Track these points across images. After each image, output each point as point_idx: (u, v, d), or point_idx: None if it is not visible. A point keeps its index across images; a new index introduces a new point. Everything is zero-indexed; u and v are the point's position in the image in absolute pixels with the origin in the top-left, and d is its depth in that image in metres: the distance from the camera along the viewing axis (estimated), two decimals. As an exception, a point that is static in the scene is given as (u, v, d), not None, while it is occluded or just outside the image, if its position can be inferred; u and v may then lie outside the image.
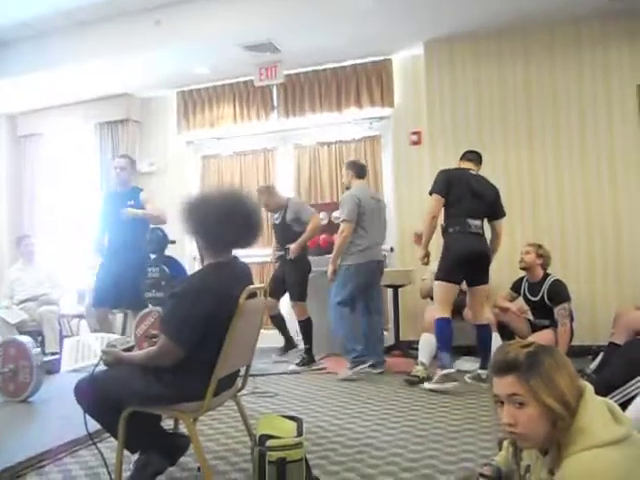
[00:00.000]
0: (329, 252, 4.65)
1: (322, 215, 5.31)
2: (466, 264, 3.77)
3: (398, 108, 5.53)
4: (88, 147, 6.63)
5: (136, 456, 2.26)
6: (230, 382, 2.34)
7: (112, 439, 2.34)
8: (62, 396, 3.94)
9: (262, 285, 2.58)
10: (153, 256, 4.09)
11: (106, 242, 4.37)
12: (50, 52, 5.48)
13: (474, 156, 4.06)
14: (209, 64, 5.55)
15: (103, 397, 2.09)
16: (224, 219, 2.10)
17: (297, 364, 4.64)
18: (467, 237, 3.80)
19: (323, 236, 5.30)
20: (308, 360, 4.67)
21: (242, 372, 2.54)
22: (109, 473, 2.17)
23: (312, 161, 5.95)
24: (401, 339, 5.10)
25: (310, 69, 5.71)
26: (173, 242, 4.28)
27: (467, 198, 3.81)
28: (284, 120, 5.82)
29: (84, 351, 2.67)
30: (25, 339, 3.87)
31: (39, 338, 5.00)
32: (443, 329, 3.73)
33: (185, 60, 5.43)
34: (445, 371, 3.66)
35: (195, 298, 2.05)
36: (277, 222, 4.85)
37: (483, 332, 3.93)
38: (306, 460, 2.16)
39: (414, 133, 5.41)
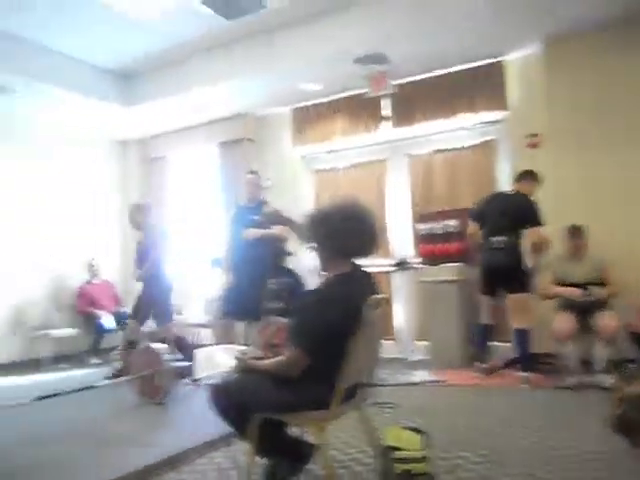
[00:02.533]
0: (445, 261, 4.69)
1: (439, 224, 5.22)
2: (489, 276, 4.42)
3: (513, 111, 5.30)
4: (211, 166, 7.03)
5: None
6: (353, 392, 2.35)
7: (243, 443, 2.44)
8: (193, 401, 4.23)
9: (383, 295, 2.56)
10: (273, 268, 4.24)
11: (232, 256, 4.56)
12: (177, 80, 5.94)
13: (523, 176, 4.54)
14: (321, 80, 5.69)
15: (235, 403, 2.20)
16: (347, 230, 2.15)
17: None
18: (488, 252, 4.41)
19: (439, 245, 5.19)
20: None
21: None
22: (243, 476, 2.27)
23: (426, 170, 5.86)
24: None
25: (420, 77, 5.65)
26: (290, 254, 4.43)
27: (493, 217, 4.42)
28: (396, 130, 5.80)
29: (213, 360, 2.85)
30: (160, 346, 4.17)
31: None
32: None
33: (298, 78, 5.62)
34: None
35: (322, 309, 2.10)
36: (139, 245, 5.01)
37: (516, 336, 4.31)
38: (431, 474, 2.12)
39: (532, 135, 5.14)
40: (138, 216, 4.81)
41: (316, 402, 2.10)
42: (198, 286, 6.45)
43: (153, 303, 4.66)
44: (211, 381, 2.65)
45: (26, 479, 2.62)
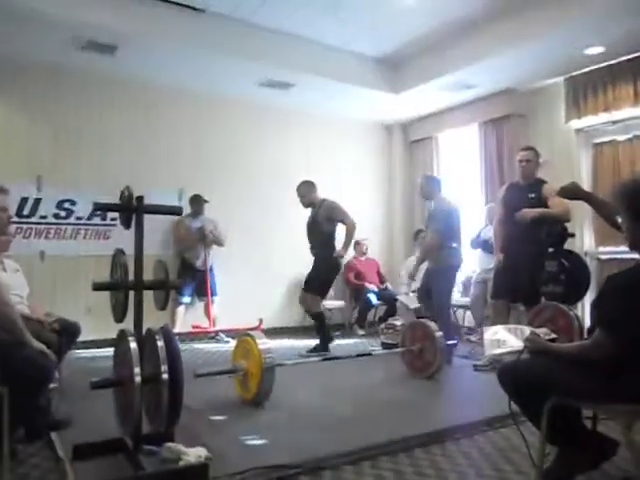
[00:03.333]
0: None
1: None
2: None
3: None
4: (475, 145, 6.92)
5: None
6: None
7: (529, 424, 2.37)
8: (460, 378, 4.26)
9: None
10: (551, 250, 3.98)
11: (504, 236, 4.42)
12: (442, 61, 5.95)
13: None
14: (602, 41, 5.09)
15: (529, 384, 2.13)
16: None
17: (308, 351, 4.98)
18: None
19: None
20: (322, 349, 5.00)
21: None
22: (530, 456, 2.20)
23: None
24: None
25: None
26: (572, 235, 4.09)
27: None
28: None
29: (500, 340, 2.80)
30: (430, 323, 4.28)
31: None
32: None
33: (574, 42, 5.12)
34: None
35: (632, 293, 1.90)
36: (309, 221, 5.26)
37: None
38: None
39: None
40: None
41: (624, 393, 1.91)
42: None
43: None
44: (500, 360, 2.61)
45: (344, 429, 2.93)
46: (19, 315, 2.68)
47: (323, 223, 5.13)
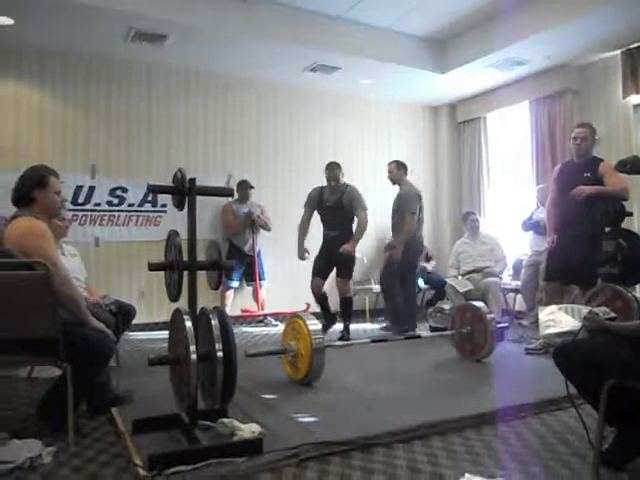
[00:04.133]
0: None
1: None
2: None
3: None
4: (523, 125, 6.73)
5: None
6: None
7: (585, 406, 2.32)
8: (512, 362, 4.19)
9: None
10: (608, 229, 3.83)
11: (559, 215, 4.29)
12: (490, 39, 5.78)
13: None
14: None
15: (585, 364, 2.08)
16: None
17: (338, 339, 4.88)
18: None
19: None
20: (346, 336, 5.00)
21: None
22: (588, 437, 2.16)
23: None
24: None
25: None
26: (630, 214, 3.93)
27: None
28: None
29: (557, 319, 2.72)
30: (480, 305, 4.22)
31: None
32: None
33: (631, 13, 4.87)
34: None
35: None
36: (330, 204, 5.14)
37: None
38: None
39: None
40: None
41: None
42: (509, 250, 6.28)
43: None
44: (552, 340, 2.56)
45: (394, 409, 2.94)
46: (81, 295, 2.80)
47: (347, 207, 5.10)
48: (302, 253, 5.22)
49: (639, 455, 2.15)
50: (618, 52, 5.67)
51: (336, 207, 5.11)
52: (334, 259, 5.07)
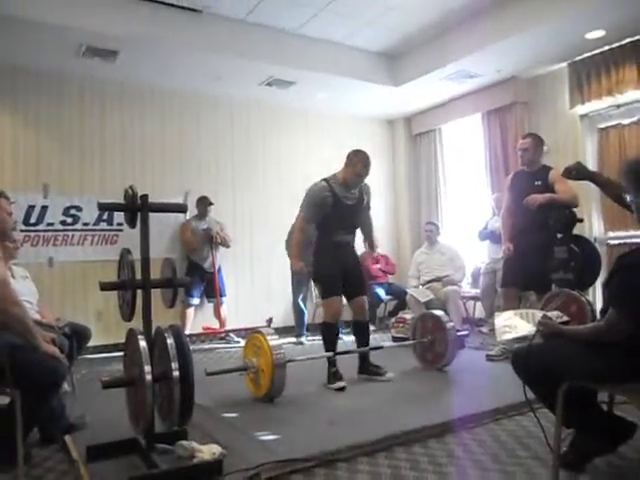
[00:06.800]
0: None
1: None
2: None
3: None
4: (477, 136, 6.89)
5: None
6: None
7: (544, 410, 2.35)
8: (473, 369, 4.23)
9: None
10: (560, 236, 3.94)
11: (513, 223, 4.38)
12: (442, 52, 5.91)
13: None
14: (603, 25, 5.04)
15: (541, 368, 2.11)
16: None
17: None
18: None
19: None
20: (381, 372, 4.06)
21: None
22: (547, 441, 2.19)
23: None
24: None
25: None
26: (581, 220, 4.05)
27: None
28: None
29: (512, 325, 2.78)
30: (440, 313, 4.26)
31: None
32: None
33: (575, 27, 5.07)
34: None
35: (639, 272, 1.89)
36: (351, 203, 3.98)
37: None
38: None
39: None
40: None
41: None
42: (466, 259, 6.39)
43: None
44: (511, 345, 2.60)
45: (357, 422, 2.93)
46: (30, 317, 2.69)
47: (366, 210, 4.20)
48: (301, 266, 4.01)
49: (596, 456, 2.20)
50: (565, 64, 5.87)
51: (357, 206, 4.05)
52: (354, 271, 4.08)
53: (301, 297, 6.19)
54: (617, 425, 2.20)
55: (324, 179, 4.05)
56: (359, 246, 4.54)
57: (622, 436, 2.19)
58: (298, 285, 6.12)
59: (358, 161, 3.98)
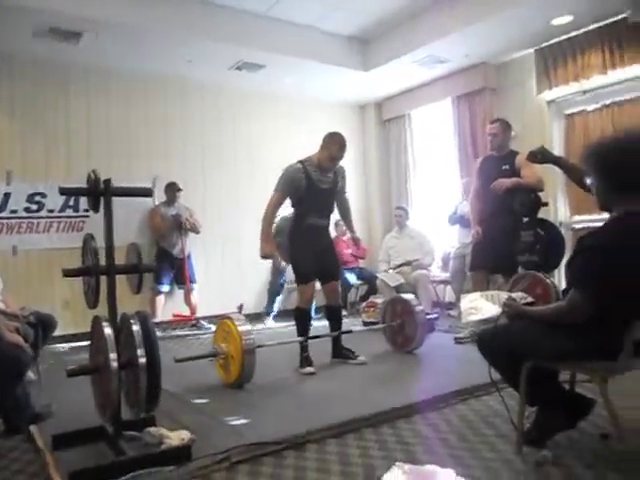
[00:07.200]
0: None
1: None
2: None
3: None
4: (447, 120, 6.93)
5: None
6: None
7: (509, 390, 2.40)
8: (442, 351, 4.30)
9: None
10: (526, 219, 4.01)
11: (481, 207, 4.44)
12: (412, 37, 5.91)
13: None
14: (570, 10, 5.10)
15: (506, 349, 2.15)
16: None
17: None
18: None
19: None
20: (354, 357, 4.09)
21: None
22: (511, 419, 2.24)
23: None
24: None
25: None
26: (545, 204, 4.13)
27: None
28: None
29: (477, 307, 2.83)
30: (409, 297, 4.31)
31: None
32: None
33: (542, 13, 5.12)
34: None
35: (604, 252, 1.93)
36: (325, 187, 3.96)
37: None
38: None
39: None
40: None
41: (600, 352, 1.95)
42: (436, 243, 6.46)
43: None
44: (478, 327, 2.65)
45: (326, 405, 2.96)
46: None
47: (341, 194, 4.23)
48: (271, 250, 3.91)
49: (558, 431, 2.26)
50: (532, 50, 5.93)
51: (331, 190, 4.04)
52: (327, 256, 4.05)
53: (283, 280, 6.24)
54: (577, 402, 2.26)
55: (299, 161, 4.00)
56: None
57: (582, 412, 2.25)
58: (277, 272, 6.19)
59: (334, 144, 3.94)
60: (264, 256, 3.90)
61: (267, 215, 3.91)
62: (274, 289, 6.28)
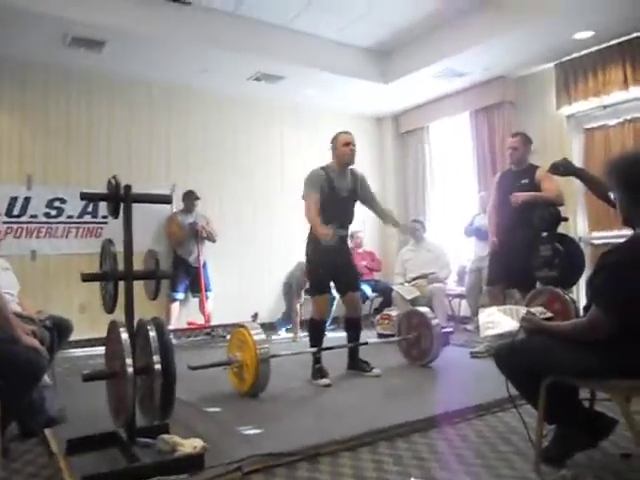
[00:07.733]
0: None
1: None
2: None
3: None
4: (466, 134, 6.90)
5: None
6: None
7: (526, 407, 2.36)
8: (457, 366, 4.24)
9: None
10: (544, 234, 3.96)
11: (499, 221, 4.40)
12: (431, 50, 5.92)
13: None
14: (591, 26, 5.07)
15: (525, 364, 2.12)
16: None
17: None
18: None
19: None
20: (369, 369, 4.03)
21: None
22: (529, 436, 2.20)
23: None
24: None
25: None
26: (566, 219, 4.08)
27: None
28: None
29: (496, 321, 2.80)
30: (425, 310, 4.27)
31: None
32: None
33: (563, 27, 5.10)
34: None
35: (626, 269, 1.89)
36: (345, 195, 3.93)
37: None
38: None
39: None
40: None
41: (623, 369, 1.90)
42: (453, 256, 6.41)
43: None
44: (495, 341, 2.61)
45: (341, 417, 2.93)
46: (10, 309, 2.65)
47: (368, 194, 4.17)
48: (330, 230, 3.65)
49: (577, 451, 2.21)
50: (552, 65, 5.91)
51: (350, 198, 4.00)
52: (346, 267, 4.00)
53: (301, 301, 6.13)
54: (598, 421, 2.21)
55: (321, 167, 4.02)
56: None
57: (603, 432, 2.20)
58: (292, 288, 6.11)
59: (339, 137, 4.04)
60: (330, 238, 3.66)
61: (311, 216, 3.79)
62: (289, 314, 6.21)
